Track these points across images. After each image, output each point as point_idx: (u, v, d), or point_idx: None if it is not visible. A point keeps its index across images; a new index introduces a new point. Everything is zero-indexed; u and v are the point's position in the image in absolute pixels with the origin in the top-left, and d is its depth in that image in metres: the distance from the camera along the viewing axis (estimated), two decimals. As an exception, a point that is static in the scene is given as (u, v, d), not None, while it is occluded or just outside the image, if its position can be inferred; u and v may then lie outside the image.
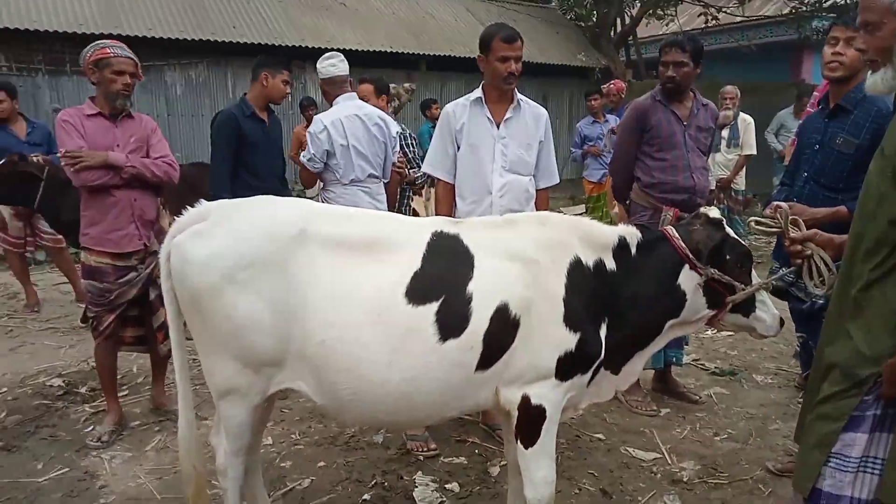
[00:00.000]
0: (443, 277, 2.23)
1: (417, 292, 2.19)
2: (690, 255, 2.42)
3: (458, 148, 3.61)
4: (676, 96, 4.02)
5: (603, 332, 2.38)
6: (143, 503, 3.13)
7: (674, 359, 4.37)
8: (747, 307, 2.50)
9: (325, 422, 4.03)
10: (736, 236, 2.53)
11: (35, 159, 5.59)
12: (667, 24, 16.10)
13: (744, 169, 8.22)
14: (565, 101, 13.76)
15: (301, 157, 4.34)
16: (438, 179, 3.71)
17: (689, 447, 3.78)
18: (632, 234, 2.49)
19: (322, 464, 3.52)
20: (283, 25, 10.98)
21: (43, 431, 3.89)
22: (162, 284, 2.37)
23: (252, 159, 4.24)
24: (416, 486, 3.28)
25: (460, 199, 3.65)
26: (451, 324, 2.19)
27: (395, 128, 4.56)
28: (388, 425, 3.34)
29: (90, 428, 3.91)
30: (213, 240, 2.23)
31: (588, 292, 2.33)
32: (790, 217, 2.40)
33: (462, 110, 3.62)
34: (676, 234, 2.48)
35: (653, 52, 18.67)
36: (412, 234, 2.32)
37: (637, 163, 4.08)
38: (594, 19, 15.27)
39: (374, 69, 11.20)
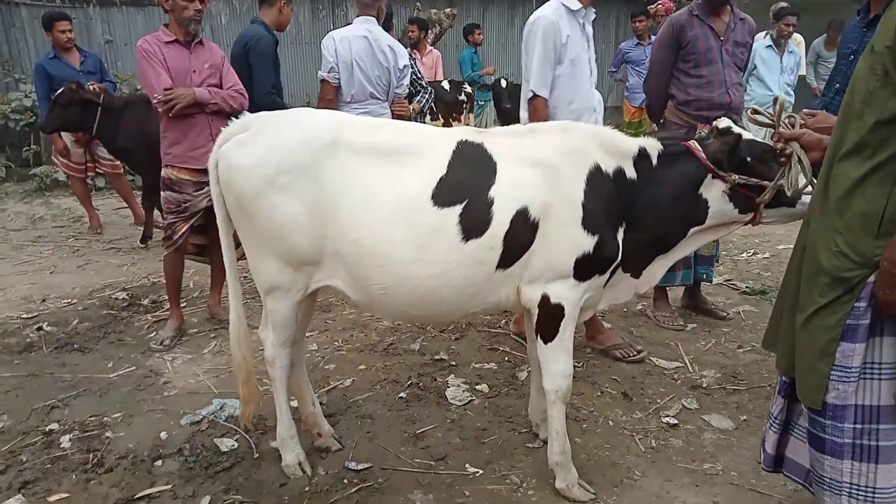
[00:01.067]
0: (467, 182, 2.38)
1: (443, 195, 2.36)
2: (711, 165, 2.48)
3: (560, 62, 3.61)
4: (715, 10, 3.97)
5: (620, 235, 2.50)
6: (202, 396, 3.48)
7: (704, 275, 4.44)
8: (791, 197, 2.44)
9: (367, 332, 4.31)
10: (752, 136, 2.57)
11: (91, 87, 5.88)
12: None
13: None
14: (611, 24, 13.37)
15: (320, 74, 4.51)
16: (538, 97, 3.64)
17: (711, 358, 3.92)
18: (653, 145, 2.56)
19: (363, 367, 3.81)
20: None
21: (111, 336, 4.28)
22: (211, 189, 2.60)
23: (278, 82, 4.54)
24: (449, 387, 3.54)
25: (560, 116, 3.65)
26: (474, 225, 2.36)
27: (403, 60, 4.68)
28: (416, 319, 3.59)
29: (153, 334, 4.29)
30: (254, 148, 2.43)
31: (606, 198, 2.44)
32: (788, 116, 2.41)
33: (565, 23, 3.59)
34: (698, 147, 2.55)
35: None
36: (438, 142, 2.47)
37: (672, 80, 4.07)
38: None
39: (416, -6, 11.12)
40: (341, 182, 2.38)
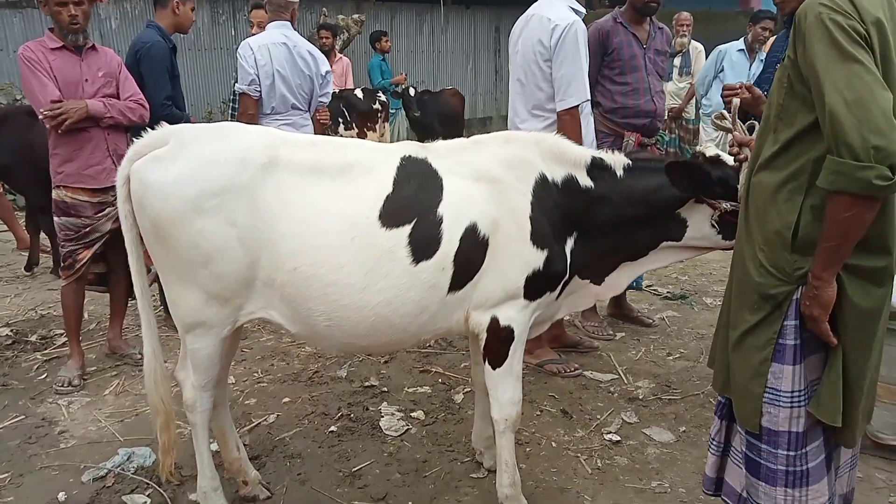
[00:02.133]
0: (414, 200, 2.23)
1: (391, 215, 2.19)
2: (696, 193, 2.38)
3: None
4: (640, 18, 3.98)
5: (569, 247, 2.41)
6: (105, 445, 3.10)
7: (633, 282, 4.45)
8: None
9: (287, 359, 4.03)
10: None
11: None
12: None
13: (694, 98, 8.26)
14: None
15: (237, 87, 4.20)
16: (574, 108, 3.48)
17: (643, 367, 3.92)
18: (617, 159, 2.48)
19: (287, 399, 3.53)
20: (221, -47, 10.39)
21: (-6, 381, 3.78)
22: (119, 209, 2.30)
23: (176, 92, 4.16)
24: (382, 416, 3.33)
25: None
26: (424, 245, 2.20)
27: (325, 66, 4.48)
28: (363, 350, 3.35)
29: (44, 376, 3.83)
30: (177, 165, 2.16)
31: (555, 209, 2.34)
32: (749, 122, 2.38)
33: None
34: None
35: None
36: (381, 159, 2.30)
37: (597, 87, 4.04)
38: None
39: (320, 1, 10.82)
40: (279, 205, 2.15)
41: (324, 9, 10.53)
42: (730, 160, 2.39)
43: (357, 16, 10.73)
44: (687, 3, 12.09)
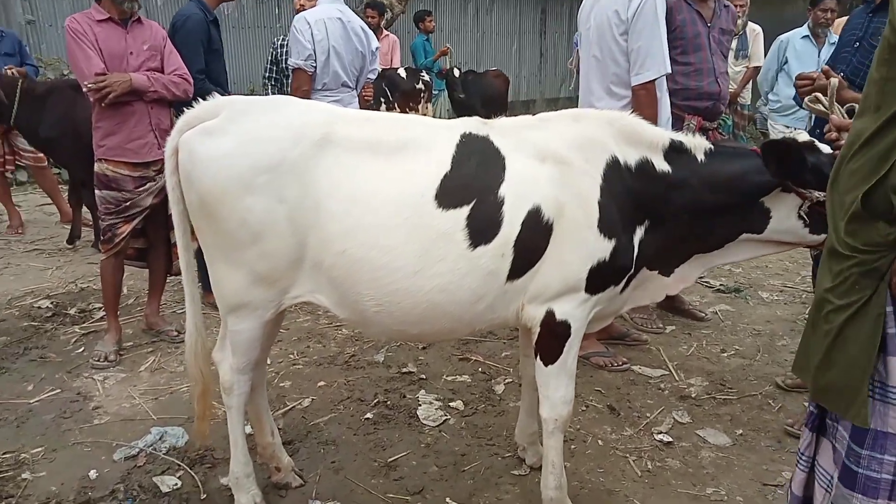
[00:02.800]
0: (473, 180, 2.07)
1: (447, 196, 2.04)
2: (787, 180, 2.18)
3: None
4: None
5: (638, 236, 2.22)
6: (138, 423, 3.04)
7: None
8: None
9: (324, 342, 3.93)
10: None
11: (9, 72, 5.27)
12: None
13: (750, 82, 7.89)
14: (565, 13, 13.19)
15: (291, 61, 4.09)
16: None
17: (695, 364, 3.71)
18: (698, 142, 2.28)
19: (322, 383, 3.43)
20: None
21: (32, 353, 3.77)
22: (167, 181, 2.20)
23: (215, 67, 4.08)
24: (420, 405, 3.20)
25: None
26: (483, 229, 2.05)
27: (375, 42, 4.42)
28: (414, 338, 3.21)
29: (81, 349, 3.80)
30: (227, 139, 2.05)
31: (626, 195, 2.16)
32: (849, 105, 2.14)
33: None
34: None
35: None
36: (441, 136, 2.15)
37: None
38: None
39: (365, -22, 10.62)
40: (330, 184, 2.03)
41: (368, -13, 10.34)
42: (825, 148, 2.16)
43: (401, -5, 10.52)
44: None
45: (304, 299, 2.20)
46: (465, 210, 2.04)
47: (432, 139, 2.13)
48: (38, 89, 5.31)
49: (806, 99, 2.28)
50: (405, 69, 8.33)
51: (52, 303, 4.48)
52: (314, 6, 4.44)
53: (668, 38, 3.61)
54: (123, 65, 3.49)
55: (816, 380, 1.88)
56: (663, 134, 2.28)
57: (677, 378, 3.53)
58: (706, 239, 2.34)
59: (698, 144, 2.28)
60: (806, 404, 3.20)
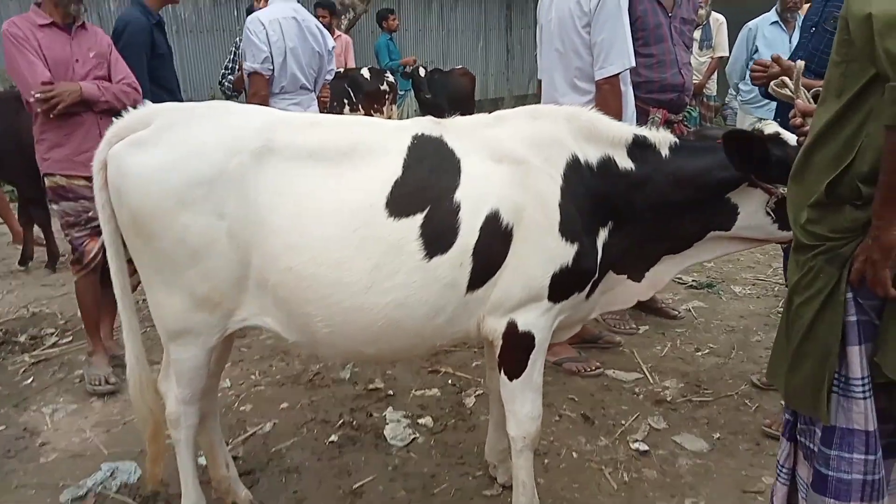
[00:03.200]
0: (427, 185, 1.94)
1: (399, 203, 1.91)
2: (751, 173, 2.09)
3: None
4: None
5: (601, 240, 2.11)
6: (88, 459, 2.86)
7: None
8: None
9: (287, 359, 3.78)
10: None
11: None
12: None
13: (716, 73, 7.87)
14: (530, 8, 13.11)
15: (246, 65, 3.91)
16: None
17: (670, 365, 3.63)
18: (662, 136, 2.18)
19: (285, 405, 3.28)
20: (221, -69, 10.04)
21: (-24, 386, 3.56)
22: (96, 198, 2.03)
23: (163, 73, 3.87)
24: (387, 423, 3.07)
25: None
26: (439, 237, 1.92)
27: (331, 41, 4.29)
28: (370, 358, 3.06)
29: (30, 380, 3.60)
30: (159, 150, 1.90)
31: (588, 196, 2.05)
32: (815, 90, 2.06)
33: None
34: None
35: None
36: (390, 139, 2.01)
37: None
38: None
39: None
40: (272, 195, 1.89)
41: (328, -13, 10.15)
42: (791, 139, 2.07)
43: (363, -6, 10.35)
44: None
45: (250, 323, 2.06)
46: (418, 218, 1.91)
47: (381, 143, 2.00)
48: (-22, 102, 5.06)
49: (772, 83, 2.19)
50: (368, 69, 8.16)
51: (0, 330, 4.25)
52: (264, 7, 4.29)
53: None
54: (69, 73, 3.29)
55: (788, 381, 1.81)
56: (626, 129, 2.18)
57: (652, 381, 3.44)
58: (674, 239, 2.25)
59: (662, 139, 2.18)
60: (783, 403, 3.15)
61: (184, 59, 9.40)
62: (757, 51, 5.76)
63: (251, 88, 3.99)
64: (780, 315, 4.07)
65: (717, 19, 7.73)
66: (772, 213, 2.13)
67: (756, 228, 2.20)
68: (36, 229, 5.48)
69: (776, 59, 2.48)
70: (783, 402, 1.97)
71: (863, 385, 1.66)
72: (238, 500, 2.47)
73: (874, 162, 1.52)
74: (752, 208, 2.16)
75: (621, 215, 2.14)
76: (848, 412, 1.68)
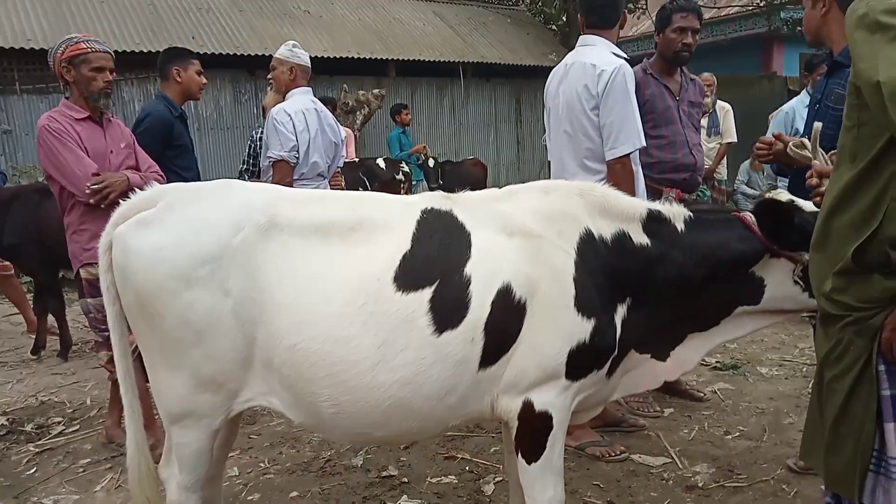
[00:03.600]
0: (436, 259, 1.91)
1: (407, 277, 1.87)
2: (768, 242, 2.08)
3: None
4: (670, 69, 3.75)
5: (620, 315, 2.04)
6: (87, 554, 2.71)
7: None
8: None
9: (298, 446, 3.64)
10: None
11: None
12: (637, 17, 15.99)
13: (725, 158, 7.99)
14: (539, 101, 13.54)
15: (273, 154, 4.01)
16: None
17: (699, 448, 3.45)
18: (676, 210, 2.17)
19: (295, 494, 3.13)
20: (246, 34, 10.62)
21: (-21, 476, 3.44)
22: (101, 280, 2.02)
23: (183, 162, 3.98)
24: (402, 513, 2.90)
25: None
26: (449, 312, 1.87)
27: (343, 132, 4.58)
28: (380, 440, 2.92)
29: (33, 470, 3.47)
30: (164, 229, 1.90)
31: (603, 270, 2.00)
32: (832, 151, 2.07)
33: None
34: (753, 220, 2.14)
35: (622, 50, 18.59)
36: (399, 214, 2.00)
37: None
38: (564, 19, 15.12)
39: (342, 76, 10.94)
40: (278, 271, 1.86)
41: (344, 85, 10.61)
42: (806, 205, 2.04)
43: (377, 91, 10.79)
44: (711, 70, 12.08)
45: (255, 403, 1.99)
46: (427, 292, 1.86)
47: (389, 217, 1.98)
48: (1, 195, 5.20)
49: (790, 144, 2.21)
50: (384, 160, 8.39)
51: (7, 419, 4.16)
52: (269, 101, 4.50)
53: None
54: (106, 164, 3.38)
55: (827, 464, 1.70)
56: (640, 204, 2.17)
57: (681, 466, 3.26)
58: (698, 316, 2.18)
59: (677, 213, 2.16)
60: (822, 488, 2.95)
61: (205, 154, 9.70)
62: (797, 133, 5.89)
63: (276, 176, 4.08)
64: (810, 395, 3.93)
65: (724, 107, 7.92)
66: (800, 282, 2.07)
67: (786, 299, 2.14)
68: (50, 319, 5.48)
69: (778, 136, 2.51)
70: (822, 487, 1.84)
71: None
72: None
73: None
74: (779, 279, 2.11)
75: (640, 292, 2.08)
76: (887, 493, 1.58)
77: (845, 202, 1.61)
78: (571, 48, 8.56)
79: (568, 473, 3.18)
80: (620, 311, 2.04)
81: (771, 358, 4.80)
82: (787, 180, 3.41)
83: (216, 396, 1.96)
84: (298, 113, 4.03)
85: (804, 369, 4.50)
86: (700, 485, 3.07)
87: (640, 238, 2.08)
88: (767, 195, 2.23)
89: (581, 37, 3.34)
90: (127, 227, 1.94)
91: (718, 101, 7.93)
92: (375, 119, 11.14)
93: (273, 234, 1.90)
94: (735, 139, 7.93)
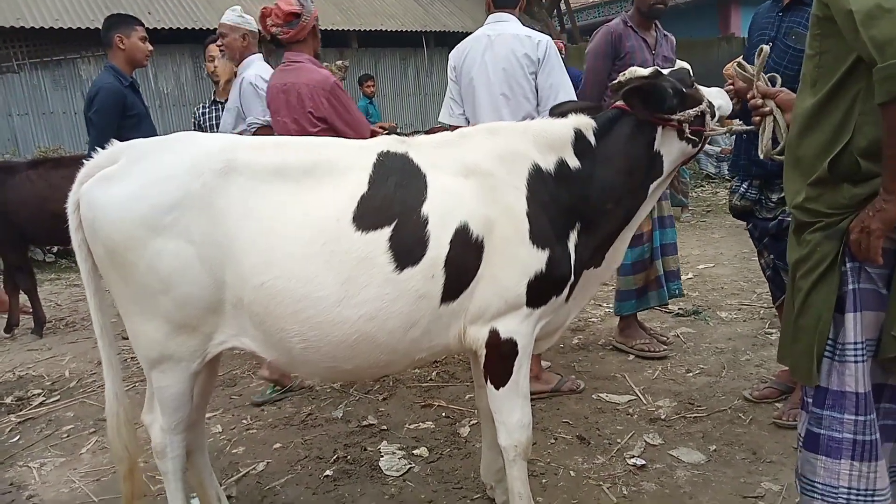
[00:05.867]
0: (393, 200, 1.98)
1: (366, 217, 1.94)
2: (661, 115, 2.20)
3: None
4: (648, 23, 3.91)
5: (573, 241, 2.15)
6: (78, 508, 2.80)
7: (676, 291, 4.20)
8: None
9: (279, 404, 3.74)
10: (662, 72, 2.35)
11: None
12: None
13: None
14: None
15: (255, 120, 4.00)
16: None
17: (662, 386, 3.64)
18: (585, 122, 2.25)
19: (278, 445, 3.24)
20: (202, 7, 10.47)
21: (-38, 447, 3.48)
22: (72, 239, 2.05)
23: (139, 133, 3.87)
24: (382, 456, 3.03)
25: None
26: (408, 250, 1.95)
27: None
28: (350, 375, 2.89)
29: (16, 438, 3.53)
30: (126, 182, 1.94)
31: (553, 202, 2.10)
32: (770, 74, 2.26)
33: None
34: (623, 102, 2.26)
35: (584, 18, 18.67)
36: (355, 157, 2.07)
37: (607, 93, 3.88)
38: (524, -14, 15.09)
39: (304, 48, 10.81)
40: (240, 214, 1.92)
41: (307, 56, 10.52)
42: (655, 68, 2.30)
43: (340, 62, 10.68)
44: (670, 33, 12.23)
45: (229, 345, 2.07)
46: (386, 231, 1.94)
47: (346, 160, 2.05)
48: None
49: (734, 64, 2.37)
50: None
51: (-15, 393, 4.19)
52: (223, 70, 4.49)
53: (618, 65, 3.75)
54: None
55: (791, 355, 1.90)
56: (565, 126, 2.24)
57: (645, 401, 3.44)
58: (629, 214, 2.31)
59: (585, 125, 2.25)
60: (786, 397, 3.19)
61: (167, 130, 9.53)
62: None
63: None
64: (767, 336, 4.13)
65: (683, 65, 8.08)
66: (690, 139, 2.25)
67: (679, 157, 2.31)
68: (22, 297, 5.46)
69: (740, 65, 2.61)
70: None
71: (855, 350, 1.74)
72: (233, 534, 2.42)
73: (872, 136, 1.64)
74: (673, 146, 2.26)
75: (584, 214, 2.19)
76: (841, 375, 1.77)
77: (814, 123, 1.78)
78: (532, 15, 8.46)
79: (539, 414, 3.35)
80: (573, 238, 2.16)
81: (730, 303, 5.02)
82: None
83: (191, 340, 2.03)
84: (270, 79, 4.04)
85: (761, 312, 4.73)
86: (663, 417, 3.26)
87: (574, 162, 2.18)
88: (630, 75, 2.31)
89: (494, 14, 3.54)
90: (91, 183, 1.98)
91: (678, 62, 8.08)
92: (340, 90, 11.08)
93: (231, 178, 1.95)
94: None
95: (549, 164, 2.14)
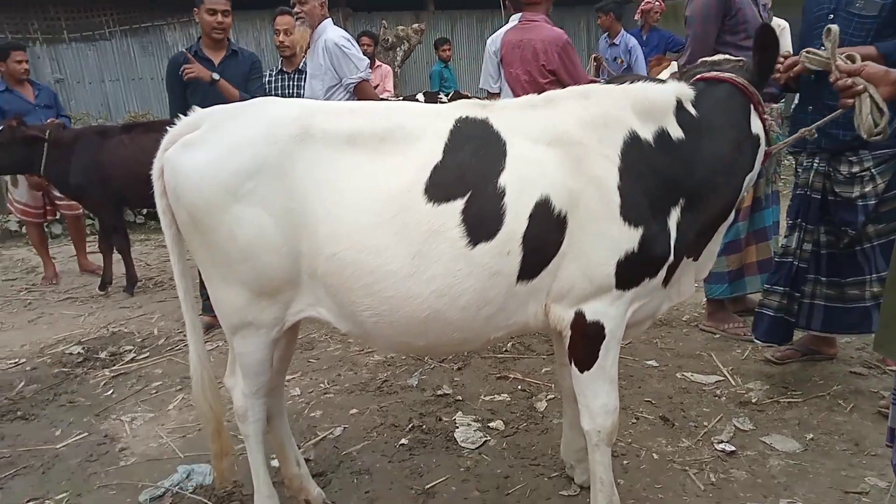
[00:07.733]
0: (468, 169, 1.87)
1: (438, 188, 1.85)
2: (758, 95, 2.04)
3: None
4: None
5: (674, 219, 1.98)
6: (165, 462, 2.91)
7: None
8: None
9: (356, 369, 3.77)
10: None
11: (51, 122, 5.50)
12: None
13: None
14: (583, 30, 13.10)
15: (352, 78, 4.17)
16: None
17: (753, 367, 3.44)
18: (684, 91, 2.06)
19: (354, 411, 3.27)
20: (282, -27, 10.47)
21: (61, 398, 3.68)
22: (157, 205, 2.07)
23: (194, 101, 3.95)
24: (457, 427, 3.01)
25: None
26: (481, 224, 1.84)
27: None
28: (424, 350, 2.93)
29: (110, 392, 3.71)
30: (207, 149, 1.93)
31: (652, 174, 1.93)
32: (838, 50, 2.05)
33: None
34: (740, 78, 2.08)
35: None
36: (431, 123, 1.96)
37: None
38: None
39: (380, 12, 10.76)
40: (314, 182, 1.88)
41: (383, 21, 10.44)
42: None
43: (416, 25, 10.59)
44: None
45: (306, 314, 2.05)
46: (458, 203, 1.84)
47: (420, 127, 1.94)
48: (64, 138, 5.38)
49: (803, 53, 2.23)
50: (423, 94, 8.29)
51: (83, 348, 4.41)
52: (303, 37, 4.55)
53: (729, 25, 3.52)
54: None
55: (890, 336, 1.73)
56: (671, 92, 2.04)
57: (734, 383, 3.27)
58: (733, 201, 2.12)
59: (684, 94, 2.06)
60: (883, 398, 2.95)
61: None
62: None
63: (360, 97, 4.22)
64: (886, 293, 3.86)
65: (780, 25, 7.51)
66: (771, 124, 2.12)
67: (761, 152, 2.13)
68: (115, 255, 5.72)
69: (810, 52, 2.41)
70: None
71: None
72: (310, 498, 2.44)
73: None
74: (760, 135, 2.09)
75: (689, 191, 2.00)
76: None
77: None
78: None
79: (620, 391, 3.21)
80: (674, 215, 1.98)
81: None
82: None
83: (270, 308, 2.03)
84: (350, 38, 4.26)
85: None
86: (754, 400, 3.08)
87: (676, 132, 1.99)
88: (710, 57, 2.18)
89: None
90: (174, 150, 1.99)
91: (775, 18, 7.54)
92: (416, 55, 10.98)
93: (308, 144, 1.91)
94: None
95: (648, 133, 1.96)
